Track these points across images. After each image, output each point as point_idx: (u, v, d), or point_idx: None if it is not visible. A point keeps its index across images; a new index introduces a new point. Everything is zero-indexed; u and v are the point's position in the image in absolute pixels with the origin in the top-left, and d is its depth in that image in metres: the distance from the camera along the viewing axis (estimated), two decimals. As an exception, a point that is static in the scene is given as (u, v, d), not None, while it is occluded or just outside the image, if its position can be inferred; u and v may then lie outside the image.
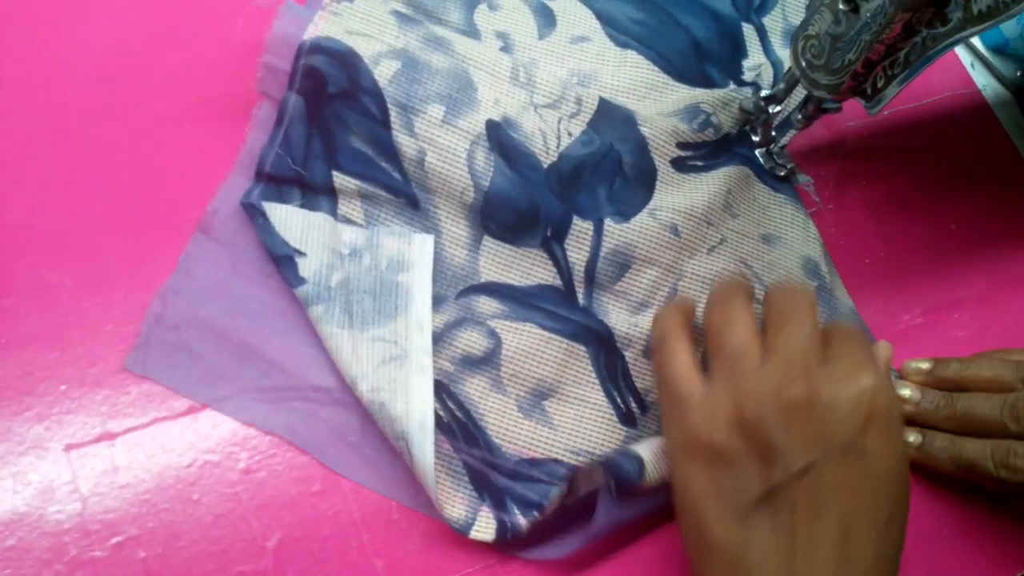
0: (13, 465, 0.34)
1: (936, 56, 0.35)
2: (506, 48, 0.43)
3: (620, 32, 0.45)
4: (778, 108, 0.43)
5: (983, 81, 0.50)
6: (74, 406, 0.35)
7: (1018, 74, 0.50)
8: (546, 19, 0.44)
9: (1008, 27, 0.50)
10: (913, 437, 0.40)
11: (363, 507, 0.35)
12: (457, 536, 0.36)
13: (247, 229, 0.38)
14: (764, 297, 0.36)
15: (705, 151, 0.43)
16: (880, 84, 0.37)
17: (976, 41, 0.51)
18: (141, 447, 0.35)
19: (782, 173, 0.44)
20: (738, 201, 0.43)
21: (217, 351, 0.36)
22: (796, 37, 0.39)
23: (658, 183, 0.41)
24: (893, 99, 0.37)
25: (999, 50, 0.51)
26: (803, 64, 0.39)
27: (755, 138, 0.44)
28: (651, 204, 0.41)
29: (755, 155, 0.44)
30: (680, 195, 0.41)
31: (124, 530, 0.34)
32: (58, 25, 0.40)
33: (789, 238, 0.43)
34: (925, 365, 0.41)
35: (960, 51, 0.51)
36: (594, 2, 0.46)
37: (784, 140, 0.44)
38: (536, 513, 0.35)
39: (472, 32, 0.43)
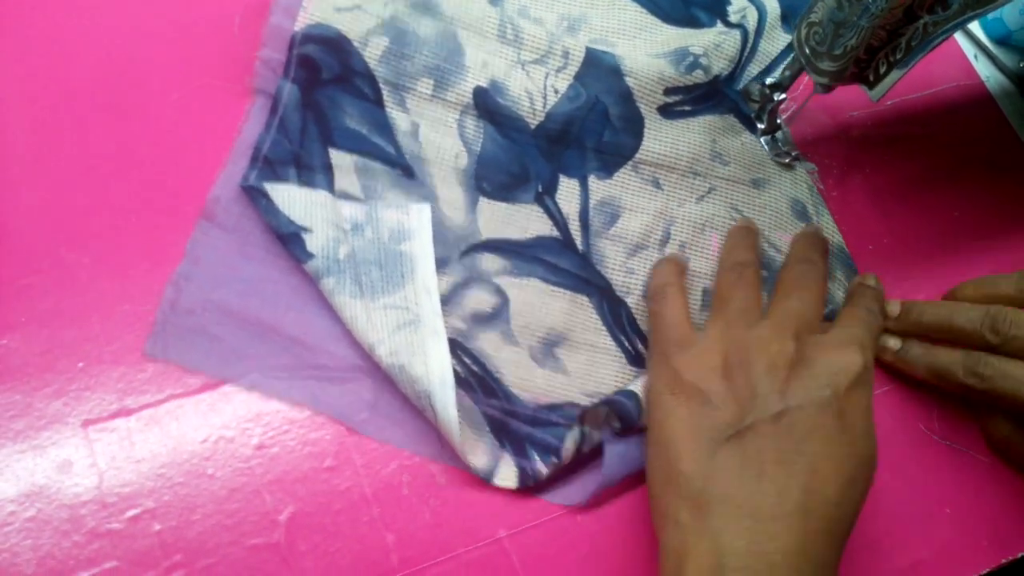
0: (33, 439, 0.35)
1: (938, 41, 0.35)
2: None
3: None
4: (783, 95, 0.43)
5: (986, 72, 0.51)
6: (92, 383, 0.36)
7: (1021, 65, 0.51)
8: None
9: (1011, 18, 0.50)
10: (892, 342, 0.41)
11: (374, 482, 0.36)
12: (468, 511, 0.36)
13: (250, 212, 0.39)
14: (780, 268, 0.39)
15: (696, 95, 0.44)
16: (882, 70, 0.38)
17: (979, 32, 0.51)
18: (157, 423, 0.36)
19: (786, 160, 0.45)
20: (726, 148, 0.44)
21: (234, 331, 0.37)
22: (799, 24, 0.39)
23: (645, 131, 0.43)
24: (895, 86, 0.38)
25: (1002, 41, 0.51)
26: (807, 51, 0.40)
27: (760, 126, 0.45)
28: (636, 156, 0.42)
29: (740, 100, 0.46)
30: (665, 145, 0.43)
31: (140, 503, 0.34)
32: (61, 27, 0.41)
33: (777, 181, 0.44)
34: (895, 308, 0.42)
35: (963, 42, 0.51)
36: None
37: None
38: (555, 459, 0.37)
39: None
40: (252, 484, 0.35)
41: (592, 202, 0.41)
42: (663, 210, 0.42)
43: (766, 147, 0.45)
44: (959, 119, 0.49)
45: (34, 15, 0.41)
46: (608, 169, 0.42)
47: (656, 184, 0.42)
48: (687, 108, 0.44)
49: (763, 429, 0.32)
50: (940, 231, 0.46)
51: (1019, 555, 0.40)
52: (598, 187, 0.42)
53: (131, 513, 0.34)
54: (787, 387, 0.33)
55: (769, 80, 0.43)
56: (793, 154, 0.45)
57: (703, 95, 0.44)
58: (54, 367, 0.36)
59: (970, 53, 0.51)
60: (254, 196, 0.38)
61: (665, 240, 0.42)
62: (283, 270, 0.38)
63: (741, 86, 0.46)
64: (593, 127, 0.42)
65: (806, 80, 0.42)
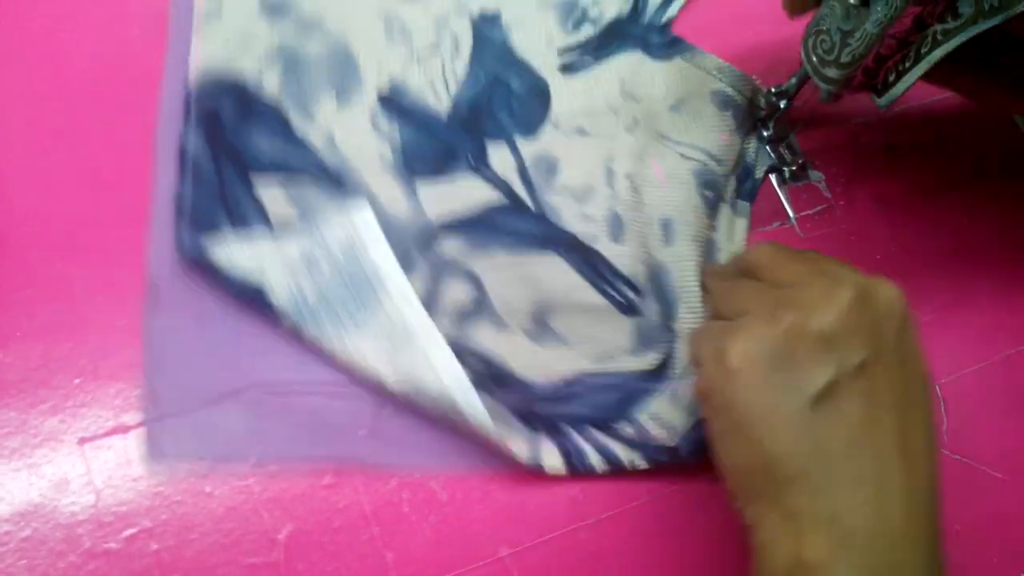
0: (28, 457, 0.34)
1: (947, 50, 0.35)
2: None
3: None
4: (789, 103, 0.43)
5: (996, 77, 0.50)
6: (88, 399, 0.35)
7: (1032, 70, 0.50)
8: None
9: (1021, 23, 0.49)
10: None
11: (374, 500, 0.36)
12: (469, 529, 0.36)
13: (190, 285, 0.37)
14: (743, 258, 0.36)
15: (593, 45, 0.44)
16: (891, 79, 0.37)
17: (989, 37, 0.51)
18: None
19: (793, 168, 0.44)
20: (635, 86, 0.44)
21: (218, 412, 0.36)
22: (807, 33, 0.39)
23: (552, 92, 0.43)
24: (904, 94, 0.37)
25: (1012, 46, 0.51)
26: (814, 60, 0.39)
27: (766, 133, 0.44)
28: (551, 116, 0.42)
29: (646, 35, 0.45)
30: (575, 100, 0.43)
31: (137, 522, 0.34)
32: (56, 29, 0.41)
33: (693, 92, 0.44)
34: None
35: (973, 47, 0.51)
36: None
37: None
38: (595, 432, 0.37)
39: None
40: (250, 502, 0.35)
41: (527, 160, 0.41)
42: (598, 148, 0.42)
43: (771, 155, 0.44)
44: (968, 126, 0.48)
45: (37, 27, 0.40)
46: (531, 128, 0.42)
47: (582, 132, 0.42)
48: (588, 58, 0.44)
49: (849, 383, 0.30)
50: (948, 241, 0.46)
51: (1030, 572, 0.39)
52: (527, 145, 0.42)
53: (128, 532, 0.34)
54: (860, 337, 0.30)
55: (775, 88, 0.42)
56: (800, 162, 0.44)
57: (601, 42, 0.44)
58: (50, 383, 0.35)
59: (980, 58, 0.50)
60: (197, 266, 0.37)
61: (610, 175, 0.41)
62: (244, 333, 0.37)
63: (647, 20, 0.45)
64: (500, 103, 0.42)
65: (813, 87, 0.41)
